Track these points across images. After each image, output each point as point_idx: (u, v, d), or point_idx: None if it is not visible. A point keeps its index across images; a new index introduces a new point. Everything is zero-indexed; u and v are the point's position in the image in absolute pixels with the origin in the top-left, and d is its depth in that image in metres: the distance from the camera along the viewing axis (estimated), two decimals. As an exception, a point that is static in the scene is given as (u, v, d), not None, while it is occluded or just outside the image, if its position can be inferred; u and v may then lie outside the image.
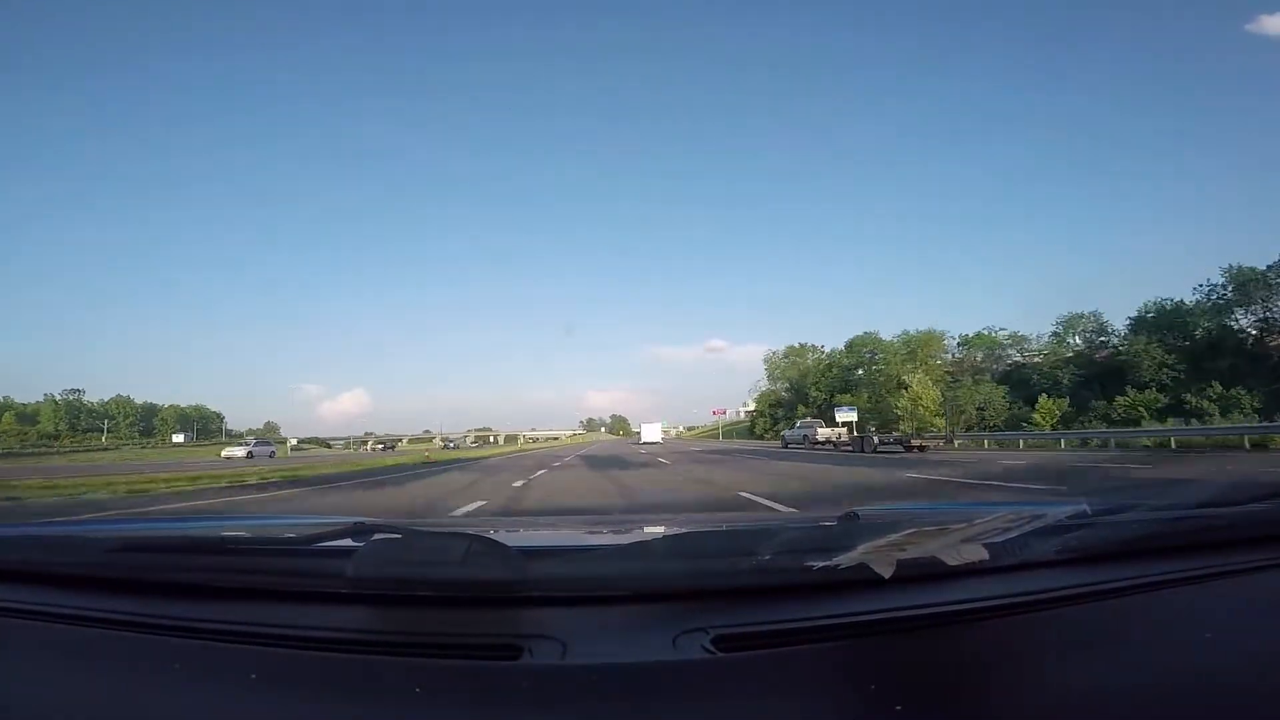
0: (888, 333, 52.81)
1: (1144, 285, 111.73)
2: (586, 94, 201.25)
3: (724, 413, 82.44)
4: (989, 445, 27.20)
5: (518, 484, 10.50)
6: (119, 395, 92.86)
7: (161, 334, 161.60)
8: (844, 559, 0.67)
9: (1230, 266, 36.29)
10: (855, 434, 29.50)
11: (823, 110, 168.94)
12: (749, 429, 45.94)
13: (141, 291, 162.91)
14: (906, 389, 38.47)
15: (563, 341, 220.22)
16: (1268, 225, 74.20)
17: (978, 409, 37.28)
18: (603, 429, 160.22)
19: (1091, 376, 38.12)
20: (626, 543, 0.85)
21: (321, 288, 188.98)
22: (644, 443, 52.90)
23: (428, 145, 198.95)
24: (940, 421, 33.23)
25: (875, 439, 25.17)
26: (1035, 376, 40.83)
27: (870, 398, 45.22)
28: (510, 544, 0.73)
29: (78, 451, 62.56)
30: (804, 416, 41.18)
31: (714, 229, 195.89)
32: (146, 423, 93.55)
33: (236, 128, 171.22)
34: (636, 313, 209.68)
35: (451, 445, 71.78)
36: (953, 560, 0.69)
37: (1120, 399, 33.59)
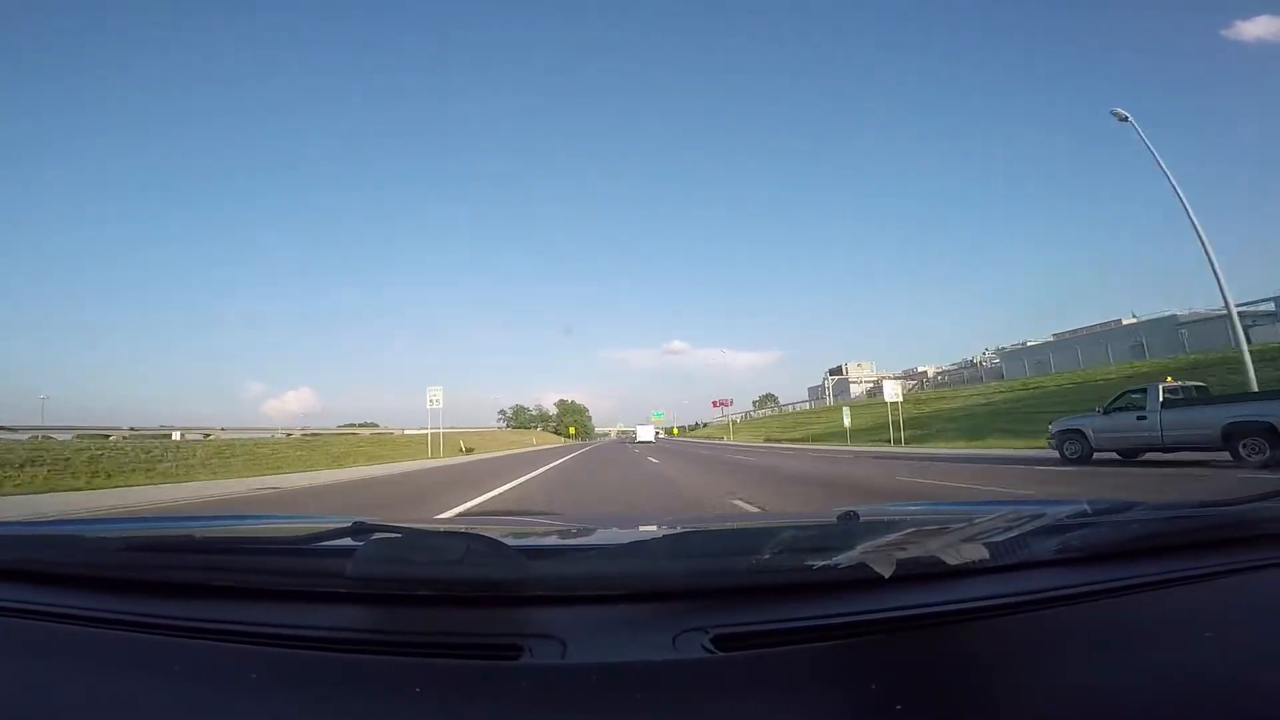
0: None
1: None
2: (568, 97, 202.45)
3: (730, 403, 77.80)
4: None
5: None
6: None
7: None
8: (844, 559, 0.67)
9: None
10: None
11: (794, 117, 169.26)
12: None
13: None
14: None
15: (526, 344, 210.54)
16: None
17: None
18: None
19: None
20: (626, 542, 0.85)
21: (254, 282, 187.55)
22: (639, 442, 52.82)
23: (378, 143, 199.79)
24: None
25: None
26: None
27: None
28: (510, 543, 0.73)
29: None
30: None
31: (676, 233, 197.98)
32: None
33: (204, 124, 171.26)
34: (596, 314, 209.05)
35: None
36: (953, 560, 0.69)
37: None
